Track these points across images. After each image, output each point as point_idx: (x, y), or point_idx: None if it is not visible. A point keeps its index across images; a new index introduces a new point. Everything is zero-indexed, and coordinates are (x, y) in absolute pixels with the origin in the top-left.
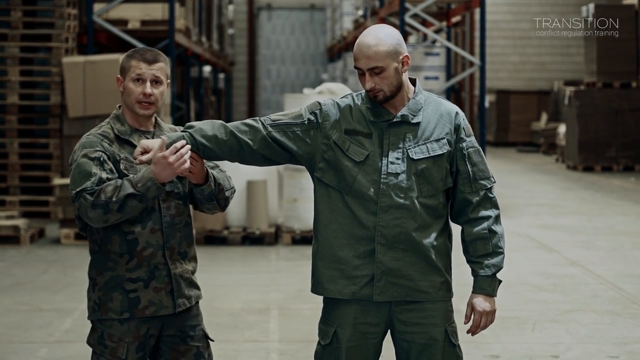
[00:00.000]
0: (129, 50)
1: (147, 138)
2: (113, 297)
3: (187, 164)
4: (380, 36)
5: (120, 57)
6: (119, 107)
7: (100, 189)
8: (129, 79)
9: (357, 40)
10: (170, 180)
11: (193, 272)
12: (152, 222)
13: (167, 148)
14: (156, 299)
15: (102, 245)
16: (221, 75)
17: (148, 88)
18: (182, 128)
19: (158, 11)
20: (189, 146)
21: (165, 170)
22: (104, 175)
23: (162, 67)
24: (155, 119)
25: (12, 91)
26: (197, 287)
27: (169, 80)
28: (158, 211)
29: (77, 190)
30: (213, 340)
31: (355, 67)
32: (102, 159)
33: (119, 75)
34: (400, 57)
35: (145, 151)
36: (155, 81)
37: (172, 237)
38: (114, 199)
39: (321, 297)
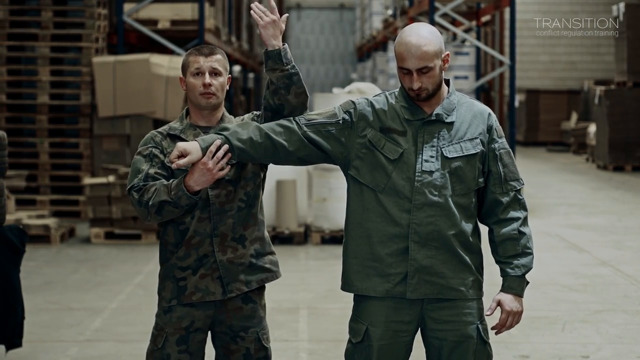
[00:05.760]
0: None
1: (207, 134)
2: (166, 285)
3: (226, 170)
4: (426, 35)
5: (150, 56)
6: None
7: (146, 188)
8: (190, 74)
9: (401, 41)
10: (204, 188)
11: (258, 255)
12: (200, 211)
13: (202, 151)
14: (202, 285)
15: (162, 236)
16: (250, 75)
17: (207, 78)
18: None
19: (188, 11)
20: (226, 146)
21: (204, 177)
22: (152, 170)
23: (220, 59)
24: (223, 114)
25: (42, 91)
26: (263, 270)
27: (229, 75)
28: (207, 200)
29: (128, 187)
30: (268, 346)
31: (401, 67)
32: (152, 154)
33: (181, 76)
34: (443, 55)
35: (182, 155)
36: (214, 73)
37: (222, 224)
38: (150, 203)
39: (351, 297)
